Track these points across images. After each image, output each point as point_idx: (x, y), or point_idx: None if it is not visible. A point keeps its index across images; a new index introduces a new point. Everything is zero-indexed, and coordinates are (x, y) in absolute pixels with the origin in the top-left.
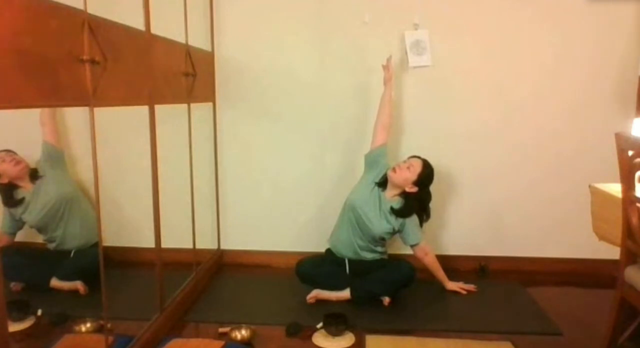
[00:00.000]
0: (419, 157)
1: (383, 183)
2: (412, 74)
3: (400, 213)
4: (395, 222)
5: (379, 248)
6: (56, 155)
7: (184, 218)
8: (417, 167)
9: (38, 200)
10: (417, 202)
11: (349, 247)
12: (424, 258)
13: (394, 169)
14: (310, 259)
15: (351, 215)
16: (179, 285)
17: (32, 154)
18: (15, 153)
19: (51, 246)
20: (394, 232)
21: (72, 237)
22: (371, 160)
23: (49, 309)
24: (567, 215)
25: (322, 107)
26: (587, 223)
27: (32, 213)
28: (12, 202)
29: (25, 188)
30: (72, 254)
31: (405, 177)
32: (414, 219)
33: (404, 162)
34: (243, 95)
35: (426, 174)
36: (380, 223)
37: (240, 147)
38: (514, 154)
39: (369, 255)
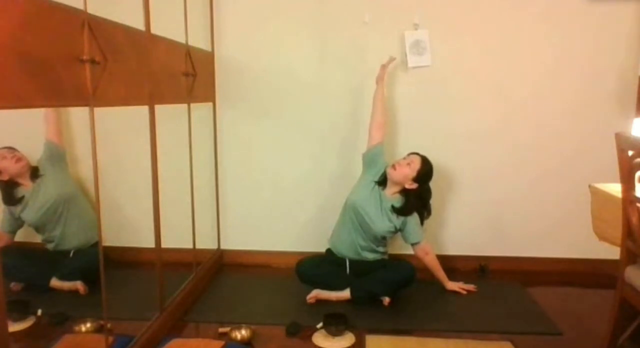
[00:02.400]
0: (417, 154)
1: (383, 182)
2: (412, 74)
3: (401, 211)
4: (397, 221)
5: (381, 249)
6: (58, 154)
7: (184, 218)
8: (417, 164)
9: (37, 198)
10: (417, 199)
11: (350, 247)
12: (424, 258)
13: (393, 166)
14: (310, 259)
15: (352, 215)
16: (179, 285)
17: (33, 152)
18: (17, 150)
19: (50, 246)
20: (395, 231)
21: (70, 237)
22: (369, 160)
23: (49, 309)
24: (567, 215)
25: (322, 107)
26: (587, 223)
27: (30, 212)
28: (12, 200)
29: (25, 187)
30: (71, 254)
31: (405, 173)
32: (415, 218)
33: (404, 159)
34: (243, 95)
35: (425, 170)
36: (382, 222)
37: (240, 147)
38: (514, 153)
39: (370, 256)
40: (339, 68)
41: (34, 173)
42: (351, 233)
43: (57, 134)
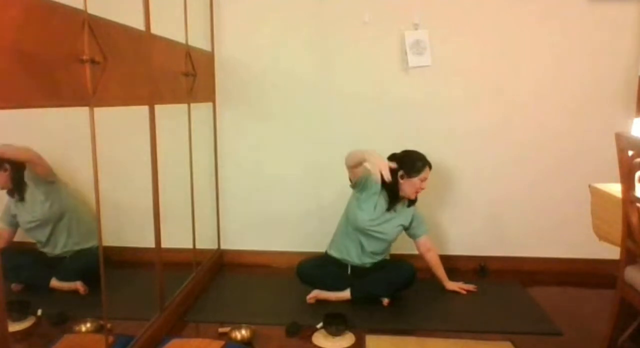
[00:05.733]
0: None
1: (393, 202)
2: (412, 74)
3: (412, 201)
4: (405, 220)
5: (383, 254)
6: (44, 181)
7: (184, 218)
8: (427, 174)
9: (25, 213)
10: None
11: (350, 257)
12: (426, 254)
13: (416, 193)
14: (311, 260)
15: (361, 237)
16: (179, 285)
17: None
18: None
19: (48, 252)
20: (403, 228)
21: (65, 245)
22: (361, 185)
23: (49, 309)
24: (567, 215)
25: (322, 106)
26: (587, 223)
27: (21, 220)
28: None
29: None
30: (69, 255)
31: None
32: (419, 213)
33: (419, 180)
34: (243, 95)
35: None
36: (393, 229)
37: (240, 147)
38: (514, 153)
39: (372, 261)
40: (338, 68)
41: (19, 190)
42: (358, 250)
43: (45, 170)
